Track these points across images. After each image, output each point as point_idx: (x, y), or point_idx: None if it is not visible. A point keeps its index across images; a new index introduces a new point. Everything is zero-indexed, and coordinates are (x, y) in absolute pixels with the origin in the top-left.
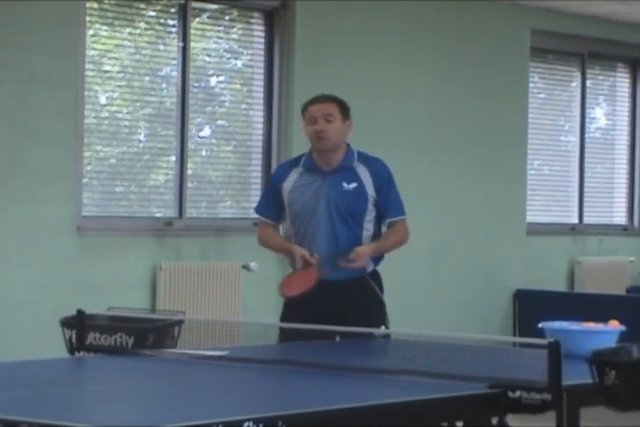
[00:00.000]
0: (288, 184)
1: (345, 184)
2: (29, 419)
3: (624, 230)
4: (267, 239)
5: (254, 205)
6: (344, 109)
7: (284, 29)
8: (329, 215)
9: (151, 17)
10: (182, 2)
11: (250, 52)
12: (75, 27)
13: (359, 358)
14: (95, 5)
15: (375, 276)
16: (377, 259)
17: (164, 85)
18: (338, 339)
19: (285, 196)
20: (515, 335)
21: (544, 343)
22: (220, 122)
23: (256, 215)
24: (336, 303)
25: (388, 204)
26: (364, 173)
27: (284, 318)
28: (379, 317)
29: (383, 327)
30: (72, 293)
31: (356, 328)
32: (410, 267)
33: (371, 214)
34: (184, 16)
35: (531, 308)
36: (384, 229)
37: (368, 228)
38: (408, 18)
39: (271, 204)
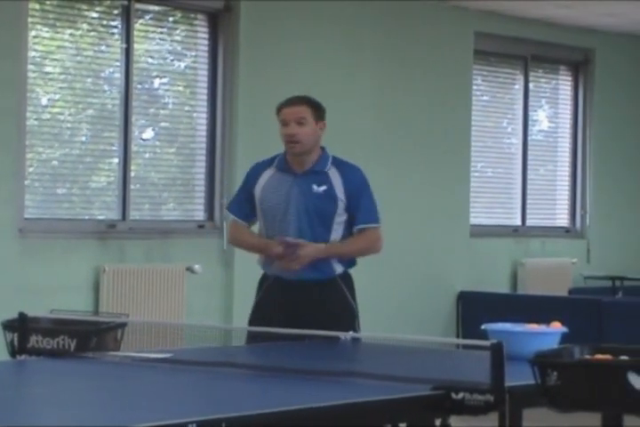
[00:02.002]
0: (260, 184)
1: (315, 186)
2: None
3: (566, 232)
4: (240, 238)
5: (198, 206)
6: (318, 111)
7: (228, 31)
8: (297, 216)
9: (94, 18)
10: (125, 3)
11: (193, 53)
12: (16, 28)
13: (304, 360)
14: (37, 6)
15: (346, 278)
16: (348, 262)
17: (106, 87)
18: (306, 341)
19: (257, 195)
20: (458, 337)
21: (487, 345)
22: (163, 124)
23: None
24: (302, 303)
25: (359, 210)
26: (335, 177)
27: (253, 318)
28: (346, 319)
29: (351, 332)
30: (14, 295)
31: (289, 330)
32: (352, 269)
33: (340, 218)
34: (127, 17)
35: (474, 309)
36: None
37: (337, 230)
38: (351, 20)
39: (244, 203)
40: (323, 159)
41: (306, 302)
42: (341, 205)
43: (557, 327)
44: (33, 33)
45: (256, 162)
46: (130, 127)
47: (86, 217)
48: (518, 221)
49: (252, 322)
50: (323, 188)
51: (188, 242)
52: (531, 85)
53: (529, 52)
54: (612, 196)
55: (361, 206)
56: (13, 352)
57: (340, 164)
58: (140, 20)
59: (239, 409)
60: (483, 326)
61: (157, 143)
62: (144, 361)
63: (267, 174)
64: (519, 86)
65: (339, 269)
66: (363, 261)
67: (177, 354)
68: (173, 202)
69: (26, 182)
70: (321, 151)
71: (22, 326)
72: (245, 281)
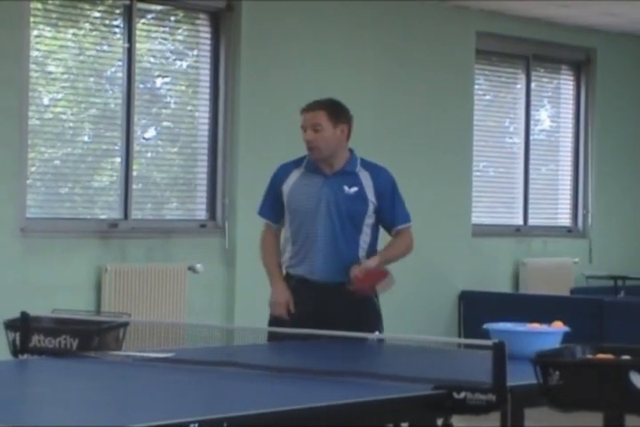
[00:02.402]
0: (288, 184)
1: (346, 188)
2: None
3: (568, 232)
4: (264, 253)
5: (200, 206)
6: (335, 115)
7: (230, 31)
8: (329, 217)
9: (96, 18)
10: (127, 3)
11: (195, 53)
12: (18, 28)
13: (307, 359)
14: (39, 6)
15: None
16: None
17: (108, 87)
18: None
19: (285, 196)
20: (460, 337)
21: (489, 344)
22: (165, 123)
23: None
24: (329, 304)
25: (395, 211)
26: (365, 178)
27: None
28: (372, 320)
29: (377, 332)
30: (16, 295)
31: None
32: None
33: (370, 219)
34: (129, 17)
35: (476, 309)
36: (386, 236)
37: (366, 232)
38: (353, 20)
39: (273, 205)
40: (352, 160)
41: (333, 303)
42: (372, 206)
43: (559, 327)
44: (35, 32)
45: (281, 163)
46: (132, 127)
47: (88, 216)
48: (520, 221)
49: (275, 322)
50: (354, 189)
51: (189, 241)
52: (532, 85)
53: (531, 51)
54: (614, 195)
55: (395, 207)
56: (15, 352)
57: (368, 165)
58: (142, 20)
59: (241, 409)
60: (484, 326)
61: (159, 143)
62: (146, 361)
63: (295, 175)
64: (521, 86)
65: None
66: None
67: (178, 354)
68: (175, 201)
69: (28, 182)
70: (349, 153)
71: (24, 325)
72: (247, 280)
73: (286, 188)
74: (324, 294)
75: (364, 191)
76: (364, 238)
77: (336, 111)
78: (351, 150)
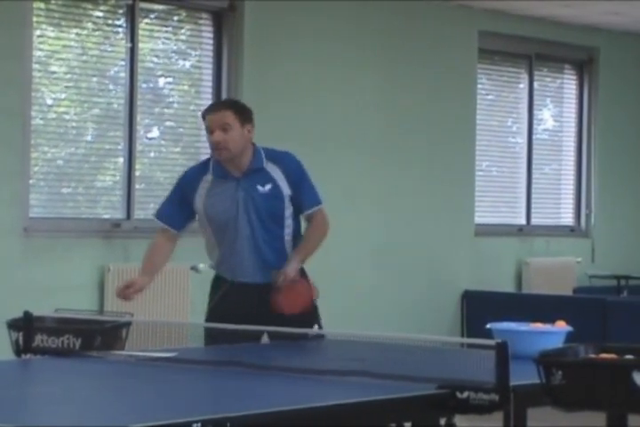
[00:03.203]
0: (200, 193)
1: (260, 187)
2: None
3: (571, 231)
4: (149, 254)
5: None
6: (242, 114)
7: (233, 30)
8: (248, 220)
9: (99, 17)
10: (130, 2)
11: (198, 52)
12: (21, 27)
13: (306, 359)
14: (42, 6)
15: (303, 273)
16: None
17: (111, 86)
18: (265, 340)
19: (200, 204)
20: (463, 336)
21: (492, 344)
22: (168, 123)
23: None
24: (261, 305)
25: (303, 196)
26: (275, 171)
27: (219, 320)
28: (312, 316)
29: (316, 327)
30: (19, 294)
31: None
32: (357, 268)
33: (288, 211)
34: (132, 16)
35: (479, 309)
36: (303, 222)
37: (288, 224)
38: (356, 19)
39: (176, 211)
40: (257, 156)
41: (264, 303)
42: (287, 199)
43: (562, 327)
44: (38, 32)
45: (186, 169)
46: (135, 126)
47: (91, 216)
48: (523, 221)
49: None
50: (268, 186)
51: (191, 241)
52: (535, 84)
53: (533, 50)
54: (617, 195)
55: (304, 192)
56: (18, 351)
57: (274, 156)
58: (145, 20)
59: (244, 408)
60: (487, 326)
61: (162, 142)
62: (148, 360)
63: (205, 183)
64: (524, 85)
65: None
66: (367, 260)
67: (181, 353)
68: None
69: (31, 182)
70: (253, 149)
71: (27, 325)
72: None
73: (199, 197)
74: (257, 295)
75: (278, 186)
76: (288, 231)
77: (242, 111)
78: (253, 145)
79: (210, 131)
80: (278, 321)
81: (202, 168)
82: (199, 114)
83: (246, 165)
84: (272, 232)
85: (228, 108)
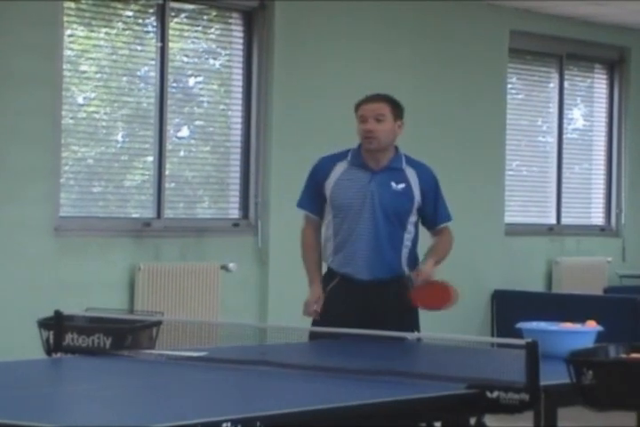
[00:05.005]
0: (332, 178)
1: (393, 184)
2: (6, 421)
3: (601, 231)
4: (304, 249)
5: (233, 205)
6: (396, 110)
7: (263, 30)
8: (373, 213)
9: (129, 17)
10: (160, 2)
11: (228, 52)
12: (52, 27)
13: (342, 358)
14: (72, 5)
15: (411, 277)
16: (414, 261)
17: (141, 86)
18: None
19: (328, 190)
20: (493, 336)
21: (522, 344)
22: (198, 122)
23: (300, 209)
24: (370, 302)
25: (438, 210)
26: (412, 175)
27: (323, 313)
28: (412, 319)
29: (415, 332)
30: (50, 293)
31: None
32: None
33: (413, 217)
34: (162, 16)
35: (509, 308)
36: (429, 234)
37: (410, 230)
38: (387, 19)
39: (313, 198)
40: (397, 157)
41: (372, 302)
42: (416, 204)
43: (592, 326)
44: (68, 32)
45: (322, 156)
46: (165, 126)
47: (121, 215)
48: (553, 220)
49: (316, 322)
50: (401, 185)
51: (222, 240)
52: (566, 84)
53: (564, 50)
54: None
55: (438, 205)
56: (49, 350)
57: (413, 163)
58: (175, 19)
59: (274, 408)
60: (517, 325)
61: (192, 142)
62: (179, 359)
63: (339, 169)
64: (554, 85)
65: (406, 268)
66: None
67: (212, 352)
68: (208, 200)
69: (61, 181)
70: (395, 150)
71: (58, 324)
72: (280, 279)
73: (330, 182)
74: (366, 291)
75: (411, 188)
76: (408, 237)
77: (397, 106)
78: (396, 147)
79: (363, 120)
80: (386, 318)
81: (338, 156)
82: (229, 113)
83: (386, 161)
84: (393, 231)
85: (384, 100)
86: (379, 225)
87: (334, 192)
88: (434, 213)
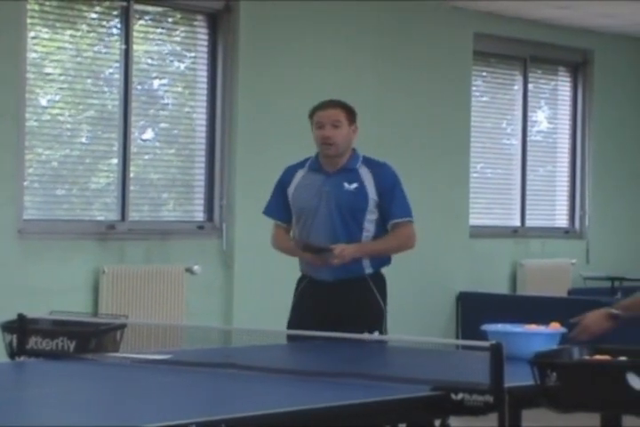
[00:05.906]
0: (293, 185)
1: (346, 184)
2: None
3: (566, 233)
4: (279, 244)
5: (197, 207)
6: (350, 115)
7: (228, 32)
8: (329, 213)
9: (93, 19)
10: (124, 4)
11: (193, 54)
12: (15, 29)
13: (304, 360)
14: (36, 7)
15: (376, 278)
16: (379, 261)
17: (106, 88)
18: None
19: (290, 196)
20: (458, 338)
21: (486, 346)
22: (162, 125)
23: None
24: (331, 303)
25: (392, 205)
26: (366, 175)
27: (290, 320)
28: (372, 319)
29: (377, 333)
30: (13, 296)
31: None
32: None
33: (372, 216)
34: (126, 18)
35: (473, 310)
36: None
37: (368, 229)
38: (351, 21)
39: (280, 206)
40: (353, 158)
41: (335, 302)
42: (372, 202)
43: (557, 328)
44: (32, 34)
45: (287, 165)
46: (129, 128)
47: (86, 218)
48: (518, 222)
49: (289, 324)
50: (354, 185)
51: (187, 243)
52: (530, 86)
53: (528, 53)
54: (612, 196)
55: (394, 202)
56: (12, 354)
57: (370, 162)
58: (140, 21)
59: (239, 410)
60: (482, 327)
61: (157, 144)
62: (143, 362)
63: (299, 175)
64: (518, 87)
65: (368, 269)
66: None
67: (176, 355)
68: (173, 203)
69: (25, 183)
70: (352, 152)
71: (21, 327)
72: (245, 282)
73: (291, 189)
74: (331, 292)
75: (365, 187)
76: (367, 235)
77: (351, 111)
78: (354, 149)
79: (320, 126)
80: (346, 319)
81: (300, 164)
82: (194, 116)
83: (342, 164)
84: (350, 230)
85: (339, 106)
86: (335, 225)
87: (294, 197)
88: (387, 210)
